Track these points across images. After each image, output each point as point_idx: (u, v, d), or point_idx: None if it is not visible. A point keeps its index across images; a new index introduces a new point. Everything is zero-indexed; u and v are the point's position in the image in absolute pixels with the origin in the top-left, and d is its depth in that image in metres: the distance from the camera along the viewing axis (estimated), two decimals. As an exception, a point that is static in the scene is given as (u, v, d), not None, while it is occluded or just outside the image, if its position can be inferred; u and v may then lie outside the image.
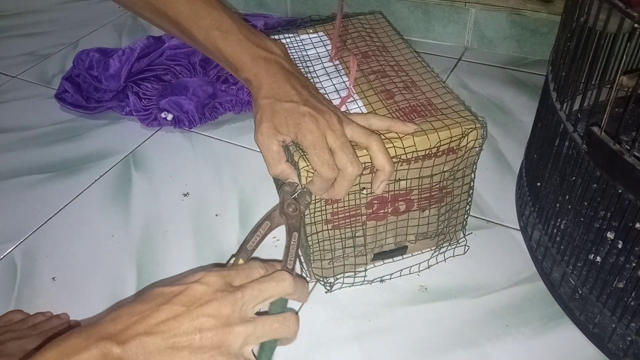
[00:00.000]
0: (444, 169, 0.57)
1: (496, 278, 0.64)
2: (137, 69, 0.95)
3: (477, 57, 1.05)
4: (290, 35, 0.71)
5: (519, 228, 0.69)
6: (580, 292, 0.57)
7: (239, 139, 0.89)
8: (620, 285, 0.56)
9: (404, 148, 0.53)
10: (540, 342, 0.57)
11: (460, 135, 0.54)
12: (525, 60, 1.03)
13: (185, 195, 0.79)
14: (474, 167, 0.59)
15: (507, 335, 0.58)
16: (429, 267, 0.65)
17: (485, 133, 0.55)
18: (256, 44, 0.52)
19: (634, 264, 0.56)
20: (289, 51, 0.67)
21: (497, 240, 0.69)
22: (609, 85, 0.48)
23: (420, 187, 0.57)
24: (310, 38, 0.70)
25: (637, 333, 0.52)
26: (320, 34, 0.71)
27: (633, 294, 0.51)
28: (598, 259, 0.59)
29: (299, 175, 0.51)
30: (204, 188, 0.80)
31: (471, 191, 0.61)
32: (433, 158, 0.55)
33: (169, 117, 0.90)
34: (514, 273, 0.64)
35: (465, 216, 0.65)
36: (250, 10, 1.26)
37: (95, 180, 0.82)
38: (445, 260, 0.66)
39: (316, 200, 0.54)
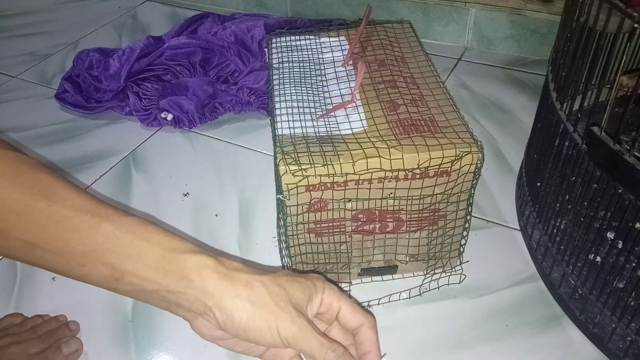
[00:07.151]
0: (436, 192, 0.55)
1: (496, 278, 0.64)
2: (137, 69, 0.95)
3: (477, 57, 1.05)
4: (311, 37, 0.70)
5: (519, 228, 0.69)
6: (580, 292, 0.57)
7: (239, 139, 0.89)
8: (620, 285, 0.56)
9: (390, 161, 0.51)
10: (540, 342, 0.57)
11: (453, 158, 0.52)
12: (525, 60, 1.03)
13: (185, 195, 0.79)
14: (472, 192, 0.56)
15: (507, 335, 0.58)
16: (420, 295, 0.62)
17: (482, 158, 0.53)
18: None
19: (634, 264, 0.56)
20: (306, 53, 0.67)
21: (497, 240, 0.69)
22: (609, 85, 0.48)
23: (407, 206, 0.56)
24: (330, 41, 0.70)
25: (637, 333, 0.52)
26: (342, 38, 0.71)
27: (633, 294, 0.51)
28: (598, 259, 0.59)
29: (280, 180, 0.50)
30: (204, 188, 0.80)
31: (469, 217, 0.59)
32: (423, 178, 0.53)
33: (169, 117, 0.90)
34: (514, 273, 0.64)
35: (462, 242, 0.62)
36: (250, 10, 1.26)
37: (95, 180, 0.82)
38: (438, 288, 0.62)
39: (299, 214, 0.54)
